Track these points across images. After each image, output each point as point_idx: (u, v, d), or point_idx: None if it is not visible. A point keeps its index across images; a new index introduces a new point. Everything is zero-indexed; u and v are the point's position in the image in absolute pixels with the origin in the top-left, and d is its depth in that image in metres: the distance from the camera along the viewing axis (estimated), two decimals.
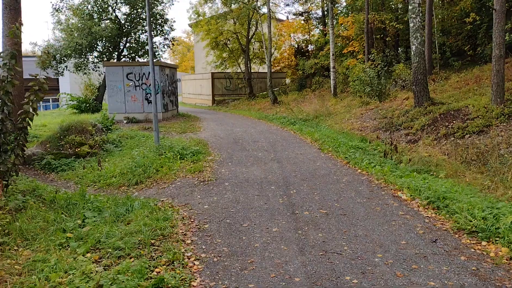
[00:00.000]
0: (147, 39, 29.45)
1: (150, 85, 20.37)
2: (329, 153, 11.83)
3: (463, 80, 18.00)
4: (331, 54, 24.12)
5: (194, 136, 15.67)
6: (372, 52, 21.61)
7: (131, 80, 20.26)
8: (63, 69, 26.44)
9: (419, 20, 15.28)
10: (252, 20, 31.40)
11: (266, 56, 28.50)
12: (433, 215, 6.31)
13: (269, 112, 25.02)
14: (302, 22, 34.06)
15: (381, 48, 24.91)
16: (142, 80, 20.29)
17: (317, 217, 6.26)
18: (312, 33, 34.69)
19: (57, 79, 34.42)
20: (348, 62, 24.58)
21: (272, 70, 30.25)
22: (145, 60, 27.14)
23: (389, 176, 8.67)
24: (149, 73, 19.94)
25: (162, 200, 7.74)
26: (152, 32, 29.81)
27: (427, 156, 11.35)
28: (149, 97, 20.43)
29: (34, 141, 14.12)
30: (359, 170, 9.49)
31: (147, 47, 29.36)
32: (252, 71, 33.26)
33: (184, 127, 18.24)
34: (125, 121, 20.00)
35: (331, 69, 24.10)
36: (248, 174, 9.36)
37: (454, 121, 13.22)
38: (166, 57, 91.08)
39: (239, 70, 33.44)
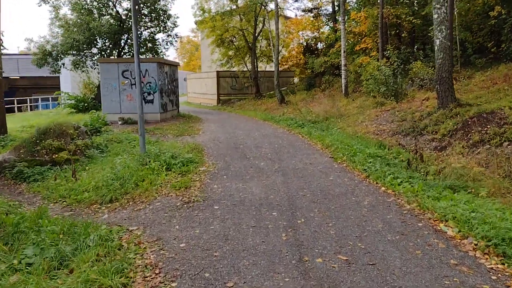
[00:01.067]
0: (149, 35, 27.68)
1: (147, 83, 18.53)
2: (343, 163, 9.85)
3: (490, 79, 15.91)
4: (342, 51, 22.08)
5: (191, 140, 13.78)
6: (387, 48, 19.55)
7: (127, 78, 18.42)
8: (60, 67, 24.70)
9: (444, 10, 13.22)
10: (259, 16, 29.44)
11: (273, 54, 26.53)
12: (499, 266, 4.34)
13: (276, 113, 23.06)
14: (312, 18, 32.01)
15: (395, 45, 22.83)
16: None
17: (335, 268, 4.30)
18: (321, 30, 32.63)
19: (58, 77, 32.76)
20: (361, 59, 22.53)
21: (280, 69, 28.30)
22: (146, 57, 25.29)
23: (422, 197, 6.69)
24: (146, 70, 18.11)
25: (131, 230, 5.85)
26: (154, 29, 28.04)
27: (460, 167, 9.34)
28: (146, 96, 18.58)
29: (9, 145, 12.33)
30: (383, 188, 7.50)
31: (149, 44, 27.58)
32: (259, 69, 31.31)
33: (182, 129, 16.35)
34: (120, 122, 18.17)
35: (342, 67, 22.07)
36: (245, 192, 7.42)
37: (488, 126, 11.17)
38: (170, 54, 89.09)
39: (245, 69, 31.51)
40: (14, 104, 27.95)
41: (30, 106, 30.01)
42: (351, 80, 23.68)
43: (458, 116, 12.32)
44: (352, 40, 25.13)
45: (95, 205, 7.78)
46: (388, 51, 19.20)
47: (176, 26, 27.87)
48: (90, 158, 11.56)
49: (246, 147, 12.19)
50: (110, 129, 16.52)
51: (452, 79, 13.76)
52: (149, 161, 9.35)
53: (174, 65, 21.77)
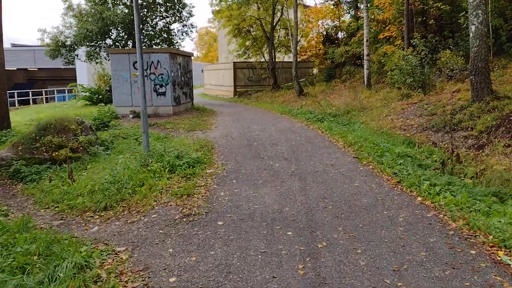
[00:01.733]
0: (164, 25, 26.65)
1: (159, 75, 17.51)
2: (369, 164, 8.63)
3: None
4: (364, 40, 20.63)
5: (202, 136, 12.71)
6: (414, 36, 18.05)
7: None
8: (74, 58, 23.90)
9: None
10: (277, 5, 28.08)
11: (291, 44, 25.19)
12: None
13: (294, 105, 21.82)
14: (332, 6, 30.46)
15: (422, 33, 21.25)
16: (150, 69, 17.44)
17: None
18: (342, 18, 31.06)
19: (74, 69, 32.09)
20: (384, 49, 21.05)
21: (298, 59, 26.97)
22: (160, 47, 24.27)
23: (468, 212, 5.48)
24: (158, 61, 17.08)
25: (117, 252, 4.81)
26: (169, 19, 26.98)
27: (504, 170, 8.03)
28: (158, 88, 17.57)
29: (8, 142, 11.47)
30: (419, 199, 6.28)
31: (164, 35, 26.57)
32: (276, 60, 30.01)
33: (195, 124, 15.29)
34: (131, 116, 17.22)
35: (365, 57, 20.64)
36: (255, 202, 6.29)
37: None
38: (186, 45, 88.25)
39: (262, 60, 30.25)
40: (29, 96, 27.35)
41: (46, 98, 29.45)
42: (373, 70, 22.25)
43: (497, 110, 10.94)
44: (375, 28, 23.61)
45: (88, 213, 6.79)
46: (415, 40, 17.70)
47: (191, 16, 26.76)
48: (93, 155, 10.62)
49: (261, 144, 11.05)
50: (119, 123, 15.59)
51: (489, 69, 12.36)
52: (152, 162, 8.30)
53: (187, 56, 20.69)
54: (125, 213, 6.37)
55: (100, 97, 23.32)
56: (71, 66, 25.04)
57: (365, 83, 20.78)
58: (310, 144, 10.94)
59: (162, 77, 17.45)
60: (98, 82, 25.72)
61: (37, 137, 10.42)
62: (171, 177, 7.63)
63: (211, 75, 35.86)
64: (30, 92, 27.29)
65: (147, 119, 9.31)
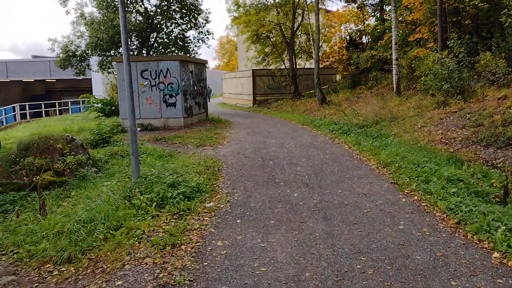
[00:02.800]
0: (179, 33, 25.21)
1: (169, 84, 15.92)
2: (413, 194, 6.69)
3: None
4: (393, 42, 18.63)
5: (211, 153, 10.98)
6: (451, 37, 15.95)
7: (146, 78, 15.89)
8: (85, 68, 22.66)
9: None
10: (298, 9, 26.31)
11: (313, 49, 23.35)
12: None
13: (316, 115, 19.92)
14: (356, 10, 28.51)
15: (456, 34, 19.12)
16: (159, 78, 15.88)
17: None
18: (366, 22, 29.06)
19: (91, 79, 31.04)
20: (416, 52, 18.97)
21: (321, 66, 25.10)
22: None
23: None
24: (167, 69, 15.51)
25: None
26: (185, 26, 25.54)
27: None
28: (168, 98, 15.98)
29: None
30: (496, 255, 4.34)
31: (180, 42, 25.13)
32: (297, 67, 28.18)
33: (206, 138, 13.59)
34: (138, 129, 15.66)
35: (394, 62, 18.63)
36: (263, 260, 4.44)
37: None
38: (202, 53, 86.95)
39: (282, 67, 28.47)
40: (41, 109, 26.30)
41: (60, 110, 28.42)
42: (403, 76, 20.19)
43: None
44: (403, 30, 21.54)
45: (48, 265, 5.11)
46: (451, 41, 15.60)
47: (208, 22, 25.25)
48: (82, 179, 9.00)
49: (277, 164, 9.22)
50: (123, 137, 14.05)
51: None
52: (140, 192, 6.58)
53: (201, 64, 19.06)
54: (88, 271, 4.65)
55: (113, 108, 21.95)
56: (87, 77, 23.78)
57: (394, 90, 18.75)
58: (336, 164, 9.05)
59: (172, 87, 15.86)
60: (111, 92, 24.44)
61: (17, 159, 8.87)
62: (158, 215, 5.88)
63: (230, 83, 34.30)
64: (43, 104, 26.20)
65: (137, 138, 7.61)
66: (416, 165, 8.14)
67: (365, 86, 23.82)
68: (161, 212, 5.98)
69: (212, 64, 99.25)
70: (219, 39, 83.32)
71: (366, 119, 15.79)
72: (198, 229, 5.37)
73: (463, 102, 13.57)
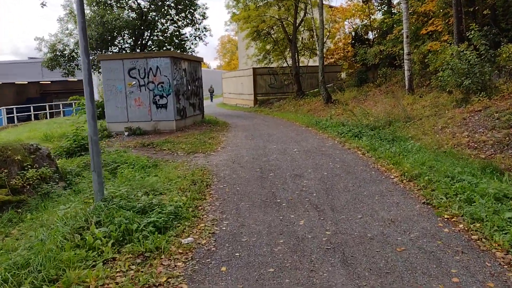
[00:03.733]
0: (175, 30, 23.61)
1: (159, 84, 14.33)
2: (457, 221, 5.03)
3: None
4: (404, 36, 16.95)
5: (202, 162, 9.36)
6: (471, 27, 14.25)
7: (134, 78, 14.30)
8: (74, 68, 21.11)
9: None
10: (300, 3, 24.65)
11: (317, 46, 21.69)
12: None
13: (322, 115, 18.29)
14: (361, 3, 26.83)
15: (473, 26, 17.42)
16: (148, 77, 14.28)
17: None
18: (373, 17, 27.34)
19: None
20: (429, 45, 17.27)
21: (325, 63, 23.43)
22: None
23: None
24: (157, 67, 13.92)
25: None
26: (181, 22, 23.94)
27: None
28: (158, 99, 14.37)
29: None
30: None
31: (176, 40, 23.53)
32: (300, 65, 26.50)
33: (199, 143, 11.96)
34: (126, 133, 14.09)
35: (405, 56, 16.95)
36: None
37: None
38: (201, 52, 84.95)
39: (285, 65, 26.81)
40: (30, 112, 24.77)
41: (51, 112, 26.88)
42: (415, 72, 18.51)
43: None
44: (415, 23, 19.84)
45: None
46: (472, 32, 13.90)
47: (205, 18, 23.64)
48: (45, 197, 7.41)
49: (278, 177, 7.58)
50: (107, 143, 12.48)
51: None
52: (97, 223, 4.97)
53: (195, 61, 17.43)
54: None
55: (103, 111, 20.37)
56: (63, 77, 22.15)
57: (406, 87, 17.06)
58: (350, 176, 7.40)
59: (162, 86, 14.27)
60: (103, 94, 22.83)
61: None
62: (115, 258, 4.26)
63: (230, 83, 32.65)
64: (32, 108, 24.67)
65: (99, 150, 5.99)
66: (449, 178, 6.49)
67: (373, 84, 22.14)
68: (120, 253, 4.36)
69: (213, 64, 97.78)
70: (220, 38, 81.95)
71: (378, 119, 14.15)
72: (165, 283, 3.74)
73: (487, 100, 11.89)
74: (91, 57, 20.13)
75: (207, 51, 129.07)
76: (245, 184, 7.18)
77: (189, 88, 16.20)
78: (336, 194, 6.33)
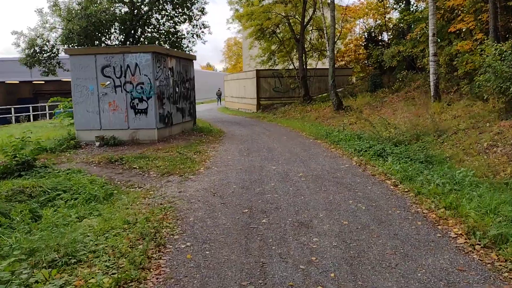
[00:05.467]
0: (171, 26, 21.02)
1: (138, 84, 11.69)
2: None
3: None
4: (430, 34, 14.20)
5: (172, 193, 6.67)
6: None
7: (109, 77, 11.68)
8: (55, 67, 18.56)
9: None
10: (309, 0, 21.95)
11: (327, 46, 18.99)
12: None
13: (332, 124, 15.59)
14: (375, 1, 24.08)
15: (508, 23, 14.64)
16: (125, 76, 11.64)
17: None
18: (388, 16, 24.61)
19: None
20: (459, 45, 14.48)
21: (335, 65, 20.68)
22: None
23: None
24: (136, 65, 11.30)
25: None
26: (177, 18, 21.33)
27: None
28: (137, 103, 11.74)
29: None
30: None
31: (173, 38, 20.94)
32: (308, 67, 23.77)
33: (179, 160, 9.28)
34: (97, 144, 11.45)
35: (431, 58, 14.23)
36: None
37: None
38: (197, 50, 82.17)
39: (291, 67, 24.11)
40: (11, 114, 22.27)
41: (37, 114, 24.44)
42: (440, 75, 15.77)
43: None
44: (440, 20, 17.07)
45: None
46: None
47: (203, 14, 21.02)
48: None
49: (274, 228, 4.87)
50: (69, 157, 9.86)
51: None
52: None
53: (186, 59, 14.71)
54: None
55: None
56: (42, 76, 19.55)
57: (432, 93, 14.29)
58: (384, 230, 4.68)
59: (142, 88, 11.63)
60: None
61: None
62: None
63: (232, 86, 29.99)
64: (13, 109, 22.17)
65: None
66: None
67: (388, 89, 19.40)
68: None
69: (219, 67, 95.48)
70: (227, 41, 79.65)
71: (401, 131, 11.39)
72: None
73: None
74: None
75: (214, 53, 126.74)
76: (221, 244, 4.46)
77: (177, 90, 13.53)
78: (370, 276, 3.62)
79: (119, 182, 7.70)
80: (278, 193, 6.37)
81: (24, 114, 22.79)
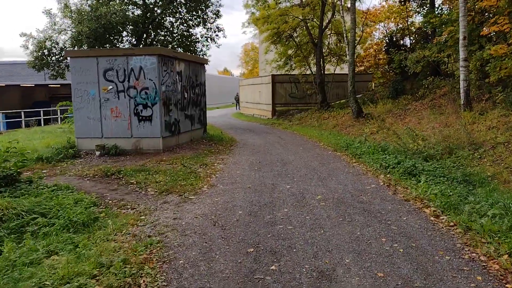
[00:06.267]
0: (185, 30, 20.03)
1: (142, 90, 10.63)
2: None
3: None
4: (460, 37, 12.82)
5: (166, 220, 5.51)
6: None
7: (111, 81, 10.65)
8: (64, 70, 17.73)
9: None
10: (328, 3, 20.70)
11: (347, 50, 17.68)
12: None
13: (352, 133, 14.31)
14: (397, 4, 22.67)
15: None
16: (129, 81, 10.59)
17: None
18: (411, 20, 23.18)
19: None
20: (493, 50, 13.01)
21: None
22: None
23: None
24: (140, 68, 10.24)
25: None
26: (192, 22, 20.33)
27: None
28: (141, 110, 10.67)
29: None
30: None
31: (187, 42, 19.94)
32: (325, 72, 22.47)
33: (182, 175, 8.12)
34: (97, 153, 10.41)
35: (461, 63, 12.84)
36: None
37: None
38: (211, 55, 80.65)
39: (308, 72, 22.85)
40: (21, 118, 21.57)
41: (49, 119, 23.74)
42: (471, 82, 14.34)
43: None
44: (470, 23, 15.62)
45: None
46: None
47: (218, 17, 19.97)
48: None
49: (289, 270, 3.66)
50: (63, 170, 8.83)
51: None
52: None
53: (196, 62, 13.59)
54: None
55: None
56: (51, 79, 18.75)
57: (462, 102, 12.88)
58: (433, 287, 3.44)
59: (146, 93, 10.56)
60: None
61: None
62: None
63: (247, 91, 28.85)
64: (23, 113, 21.47)
65: None
66: None
67: (411, 96, 17.97)
68: None
69: (236, 72, 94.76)
70: (244, 46, 78.87)
71: (430, 144, 10.05)
72: None
73: None
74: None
75: (231, 59, 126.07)
76: None
77: (186, 96, 12.42)
78: None
79: (110, 201, 6.60)
80: (292, 224, 5.14)
81: (34, 118, 22.03)
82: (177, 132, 11.70)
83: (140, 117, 10.60)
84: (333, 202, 6.10)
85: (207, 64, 14.53)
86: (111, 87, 10.56)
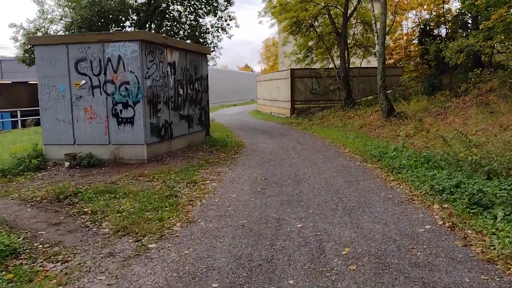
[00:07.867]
0: (194, 19, 17.78)
1: (122, 84, 8.42)
2: None
3: None
4: None
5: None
6: None
7: (84, 74, 8.48)
8: None
9: None
10: None
11: (376, 39, 15.02)
12: None
13: (383, 136, 11.80)
14: None
15: None
16: (105, 73, 8.40)
17: None
18: (447, 6, 20.25)
19: None
20: None
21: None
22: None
23: None
24: (120, 58, 8.00)
25: None
26: (201, 10, 18.00)
27: None
28: (121, 109, 8.47)
29: None
30: None
31: (196, 33, 17.68)
32: (350, 66, 19.86)
33: (157, 200, 5.89)
34: (67, 164, 8.28)
35: None
36: None
37: None
38: (223, 47, 77.47)
39: (331, 65, 20.28)
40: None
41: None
42: None
43: None
44: None
45: None
46: None
47: (230, 4, 17.61)
48: None
49: None
50: (18, 185, 6.75)
51: None
52: None
53: (195, 52, 11.24)
54: None
55: None
56: None
57: None
58: None
59: (127, 89, 8.34)
60: None
61: None
62: None
63: (265, 87, 26.43)
64: (19, 112, 19.74)
65: None
66: None
67: (450, 91, 15.21)
68: None
69: (257, 68, 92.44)
70: (265, 41, 76.46)
71: (490, 153, 7.45)
72: None
73: None
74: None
75: (252, 55, 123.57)
76: None
77: (181, 92, 10.14)
78: None
79: (41, 246, 4.45)
80: None
81: (35, 118, 20.31)
82: (168, 136, 9.44)
83: (120, 119, 8.40)
84: (370, 264, 3.69)
85: (209, 54, 12.20)
86: (84, 81, 8.41)
